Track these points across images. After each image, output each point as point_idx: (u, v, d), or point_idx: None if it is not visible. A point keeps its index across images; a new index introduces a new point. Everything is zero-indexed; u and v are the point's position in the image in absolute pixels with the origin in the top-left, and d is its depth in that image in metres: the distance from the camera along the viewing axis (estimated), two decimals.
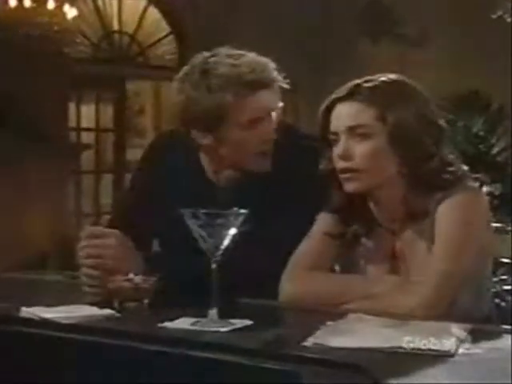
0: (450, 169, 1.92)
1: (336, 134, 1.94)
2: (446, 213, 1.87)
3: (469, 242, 1.86)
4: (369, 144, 1.90)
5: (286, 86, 2.17)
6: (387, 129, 1.89)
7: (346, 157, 1.92)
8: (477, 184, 2.01)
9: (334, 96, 1.96)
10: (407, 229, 1.94)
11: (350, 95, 1.93)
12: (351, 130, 1.92)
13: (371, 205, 1.98)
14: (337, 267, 2.06)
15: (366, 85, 1.93)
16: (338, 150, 1.93)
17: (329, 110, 1.96)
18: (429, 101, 1.96)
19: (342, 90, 1.95)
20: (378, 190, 1.94)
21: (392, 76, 1.97)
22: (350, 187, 1.93)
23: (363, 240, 2.00)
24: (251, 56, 2.15)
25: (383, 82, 1.94)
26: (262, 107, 2.13)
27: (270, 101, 2.15)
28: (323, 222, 2.02)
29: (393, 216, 1.96)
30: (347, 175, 1.92)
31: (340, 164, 1.93)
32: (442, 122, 1.96)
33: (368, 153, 1.90)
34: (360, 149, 1.91)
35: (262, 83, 2.11)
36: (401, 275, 1.94)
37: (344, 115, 1.93)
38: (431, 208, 1.90)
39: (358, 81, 1.95)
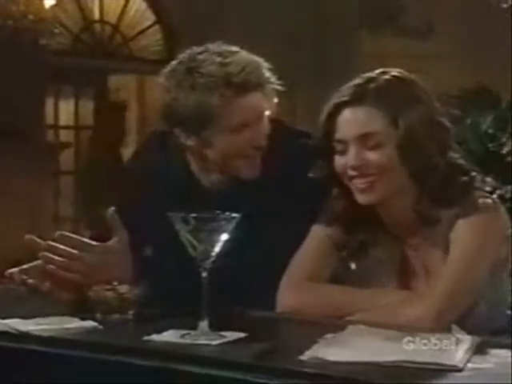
0: (461, 177, 1.91)
1: (343, 142, 1.91)
2: (464, 233, 1.87)
3: (483, 261, 1.88)
4: (382, 152, 1.88)
5: (279, 87, 2.13)
6: (398, 135, 1.87)
7: (359, 167, 1.89)
8: (496, 199, 1.93)
9: (337, 100, 1.92)
10: (418, 239, 1.94)
11: (357, 99, 1.89)
12: (362, 138, 1.88)
13: (381, 214, 1.96)
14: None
15: (372, 86, 1.89)
16: (348, 160, 1.90)
17: (332, 115, 1.92)
18: (433, 99, 1.94)
19: (346, 93, 1.91)
20: (389, 200, 1.92)
21: (393, 72, 1.94)
22: (365, 199, 1.90)
23: (369, 250, 1.99)
24: (243, 54, 2.11)
25: (388, 81, 1.91)
26: (250, 111, 2.10)
27: (261, 104, 2.11)
28: (324, 228, 2.00)
29: (403, 225, 1.95)
30: (362, 186, 1.89)
31: (352, 174, 1.90)
32: (447, 123, 1.94)
33: (383, 162, 1.88)
34: (374, 158, 1.88)
35: (251, 85, 2.08)
36: (409, 285, 1.95)
37: (353, 122, 1.90)
38: (445, 220, 1.89)
39: (359, 81, 1.92)
